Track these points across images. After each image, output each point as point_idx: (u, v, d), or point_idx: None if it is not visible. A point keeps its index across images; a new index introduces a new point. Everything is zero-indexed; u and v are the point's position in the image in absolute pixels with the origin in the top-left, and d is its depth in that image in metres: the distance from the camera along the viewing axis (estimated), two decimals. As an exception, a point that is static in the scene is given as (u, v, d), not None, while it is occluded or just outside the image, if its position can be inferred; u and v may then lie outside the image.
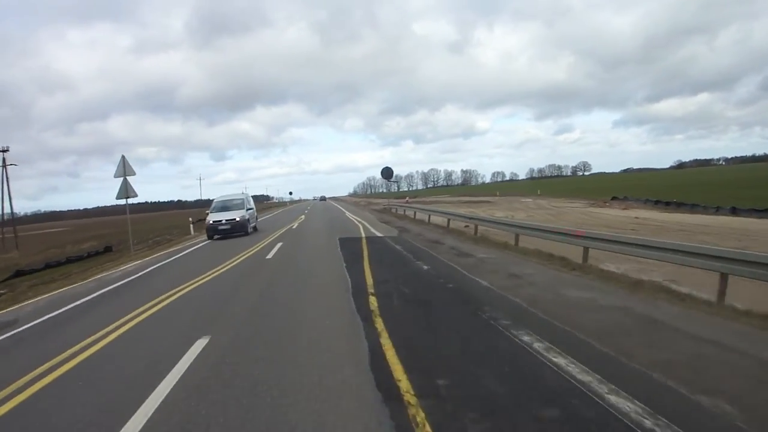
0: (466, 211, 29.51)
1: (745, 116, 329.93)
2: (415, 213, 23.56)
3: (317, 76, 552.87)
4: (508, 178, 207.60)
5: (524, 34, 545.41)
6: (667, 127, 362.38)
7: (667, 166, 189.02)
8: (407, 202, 48.56)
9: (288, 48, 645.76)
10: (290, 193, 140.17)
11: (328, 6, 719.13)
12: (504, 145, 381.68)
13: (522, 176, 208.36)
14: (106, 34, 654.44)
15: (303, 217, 30.01)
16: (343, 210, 39.11)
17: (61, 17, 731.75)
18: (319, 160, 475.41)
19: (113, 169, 15.92)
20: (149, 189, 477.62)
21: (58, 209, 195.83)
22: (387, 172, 28.19)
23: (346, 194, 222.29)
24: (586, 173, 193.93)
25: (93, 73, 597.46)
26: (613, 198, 34.68)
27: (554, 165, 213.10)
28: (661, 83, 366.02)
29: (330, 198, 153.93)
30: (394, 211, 28.77)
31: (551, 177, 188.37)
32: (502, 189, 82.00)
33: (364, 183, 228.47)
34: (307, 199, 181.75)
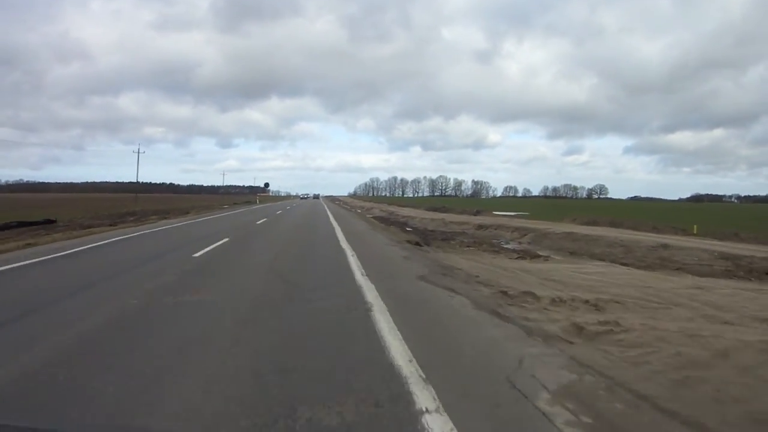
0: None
1: (756, 155, 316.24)
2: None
3: (338, 71, 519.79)
4: (521, 194, 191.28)
5: (552, 50, 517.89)
6: (676, 158, 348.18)
7: (675, 198, 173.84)
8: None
9: (313, 40, 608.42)
10: (266, 185, 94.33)
11: (361, 0, 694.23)
12: (511, 161, 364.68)
13: (535, 193, 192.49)
14: (130, 7, 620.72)
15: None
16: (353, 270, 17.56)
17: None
18: (324, 157, 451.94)
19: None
20: (153, 170, 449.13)
21: (40, 180, 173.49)
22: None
23: (346, 194, 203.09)
24: (602, 197, 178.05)
25: (111, 46, 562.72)
26: None
27: (569, 185, 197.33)
28: (680, 114, 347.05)
29: (325, 197, 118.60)
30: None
31: (566, 198, 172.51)
32: (517, 206, 55.16)
33: (366, 184, 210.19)
34: (294, 197, 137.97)
